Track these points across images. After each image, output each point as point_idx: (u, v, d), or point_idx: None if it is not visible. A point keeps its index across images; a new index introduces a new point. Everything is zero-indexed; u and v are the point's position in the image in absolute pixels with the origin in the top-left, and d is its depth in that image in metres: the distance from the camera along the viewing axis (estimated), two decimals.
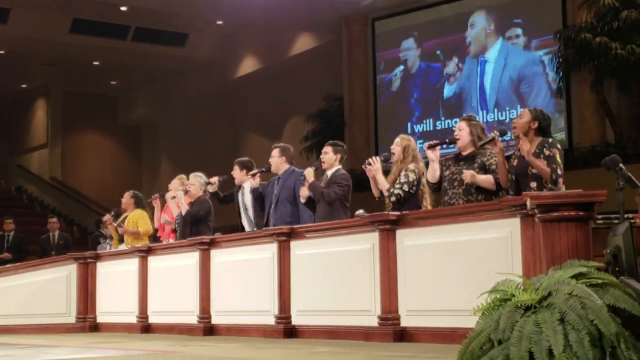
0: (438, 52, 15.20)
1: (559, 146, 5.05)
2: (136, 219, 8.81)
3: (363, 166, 6.24)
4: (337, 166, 6.77)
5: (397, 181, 6.05)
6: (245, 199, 7.65)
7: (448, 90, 14.99)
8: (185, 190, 8.03)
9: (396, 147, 6.16)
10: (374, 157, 6.25)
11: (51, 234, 12.56)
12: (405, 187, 5.99)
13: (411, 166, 6.07)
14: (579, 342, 3.18)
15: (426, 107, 15.28)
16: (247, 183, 7.63)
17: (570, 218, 4.09)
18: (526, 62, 13.90)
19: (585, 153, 12.39)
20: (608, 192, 4.19)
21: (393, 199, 6.03)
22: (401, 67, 15.69)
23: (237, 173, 7.70)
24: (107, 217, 9.30)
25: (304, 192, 6.72)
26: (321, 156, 6.84)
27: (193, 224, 7.89)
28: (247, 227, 7.68)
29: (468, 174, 5.42)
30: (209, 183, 7.95)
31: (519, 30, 13.96)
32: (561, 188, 4.99)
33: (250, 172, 7.26)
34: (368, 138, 16.02)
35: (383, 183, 6.09)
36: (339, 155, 6.79)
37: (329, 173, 6.73)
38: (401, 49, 15.70)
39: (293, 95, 18.40)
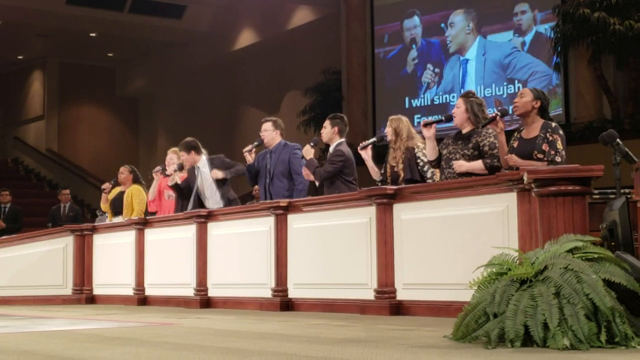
0: (442, 25, 15.12)
1: (561, 132, 5.01)
2: (132, 195, 8.79)
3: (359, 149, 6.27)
4: (338, 140, 6.74)
5: (420, 160, 6.07)
6: (204, 176, 7.60)
7: (446, 66, 14.93)
8: (179, 164, 8.00)
9: (388, 129, 6.18)
10: (363, 142, 6.27)
11: (62, 205, 12.86)
12: (427, 168, 6.04)
13: (420, 144, 6.10)
14: (574, 316, 3.20)
15: (425, 81, 15.22)
16: (200, 162, 7.62)
17: (567, 192, 4.09)
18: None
19: (582, 128, 12.39)
20: (605, 167, 4.19)
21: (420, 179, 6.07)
22: (401, 43, 15.60)
23: (185, 157, 7.68)
24: (106, 185, 9.30)
25: (309, 177, 6.73)
26: (321, 130, 6.84)
27: (184, 197, 7.87)
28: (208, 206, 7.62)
29: (456, 166, 5.41)
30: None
31: (525, 6, 13.88)
32: None
33: (246, 149, 7.23)
34: (366, 112, 15.99)
35: (372, 167, 6.13)
36: (336, 128, 6.74)
37: (331, 148, 6.72)
38: (400, 23, 15.61)
39: (291, 69, 18.32)
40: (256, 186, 10.30)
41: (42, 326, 5.46)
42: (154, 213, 8.61)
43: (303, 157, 6.78)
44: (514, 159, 4.99)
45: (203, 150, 7.81)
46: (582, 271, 3.32)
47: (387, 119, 6.45)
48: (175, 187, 7.87)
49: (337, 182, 6.56)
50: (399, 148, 6.12)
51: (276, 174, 7.02)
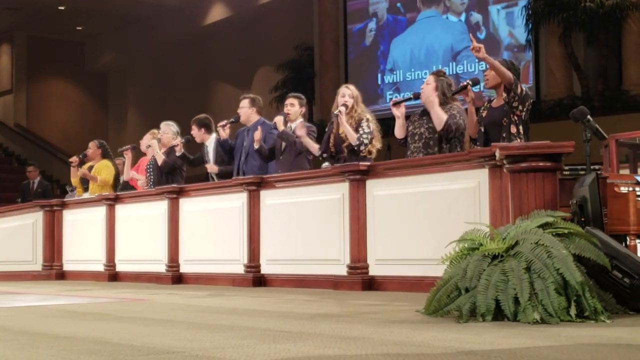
0: (398, 4, 15.15)
1: (530, 100, 5.05)
2: (100, 168, 8.74)
3: (333, 116, 6.22)
4: (300, 119, 6.76)
5: (362, 131, 6.07)
6: (210, 157, 7.58)
7: (414, 43, 14.93)
8: (158, 139, 7.93)
9: (350, 99, 6.15)
10: (341, 107, 6.18)
11: (31, 182, 12.76)
12: (370, 137, 6.04)
13: (369, 116, 6.13)
14: (544, 291, 3.25)
15: (395, 59, 15.21)
16: (209, 140, 7.58)
17: (538, 169, 4.13)
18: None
19: (553, 105, 12.49)
20: (575, 143, 4.23)
21: (362, 147, 6.05)
22: (373, 20, 15.58)
23: (195, 132, 7.63)
24: (74, 159, 9.21)
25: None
26: (287, 108, 6.78)
27: (169, 173, 7.82)
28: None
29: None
30: (175, 146, 7.81)
31: None
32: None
33: (220, 124, 7.18)
34: (337, 88, 15.92)
35: (352, 133, 6.07)
36: (303, 109, 6.83)
37: (293, 125, 6.69)
38: (370, 2, 15.57)
39: (263, 44, 18.20)
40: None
41: (13, 302, 5.42)
42: (132, 187, 8.57)
43: (275, 127, 6.74)
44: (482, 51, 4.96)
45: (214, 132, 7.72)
46: (552, 246, 3.36)
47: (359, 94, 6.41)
48: (183, 157, 7.75)
49: (299, 156, 6.58)
50: (352, 117, 6.13)
51: (251, 152, 6.99)
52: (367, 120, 6.11)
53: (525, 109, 5.00)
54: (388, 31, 15.41)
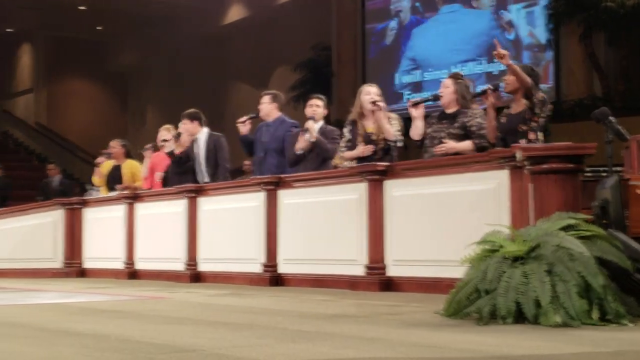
0: (417, 4, 15.12)
1: (549, 106, 5.03)
2: (133, 170, 8.75)
3: (372, 106, 6.05)
4: (322, 121, 6.72)
5: (395, 129, 6.01)
6: (200, 150, 7.59)
7: (432, 43, 14.88)
8: (177, 133, 7.95)
9: (376, 97, 6.10)
10: (381, 103, 6.08)
11: (52, 179, 12.87)
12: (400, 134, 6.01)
13: (392, 114, 6.08)
14: (566, 294, 3.22)
15: (413, 59, 15.17)
16: (200, 133, 7.60)
17: (559, 170, 4.10)
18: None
19: (573, 106, 12.40)
20: (596, 145, 4.20)
21: (400, 144, 6.00)
22: (395, 20, 15.54)
23: (188, 125, 7.66)
24: (100, 159, 9.25)
25: (301, 144, 6.60)
26: (312, 109, 6.69)
27: (180, 173, 7.83)
28: (199, 179, 7.59)
29: (445, 147, 5.38)
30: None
31: None
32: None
33: (240, 120, 7.18)
34: (355, 88, 15.87)
35: (389, 129, 5.97)
36: (326, 111, 6.78)
37: (316, 126, 6.65)
38: (392, 1, 15.54)
39: (280, 44, 18.22)
40: (246, 161, 10.28)
41: (34, 299, 5.46)
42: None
43: (305, 131, 6.57)
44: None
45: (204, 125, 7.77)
46: (574, 249, 3.33)
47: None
48: (170, 154, 7.82)
49: (326, 162, 6.57)
50: (386, 117, 6.07)
51: (269, 149, 6.97)
52: (394, 118, 6.06)
53: (544, 115, 4.98)
54: (411, 31, 15.36)
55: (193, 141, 7.70)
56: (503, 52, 4.88)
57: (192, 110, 7.82)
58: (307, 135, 6.52)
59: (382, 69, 15.53)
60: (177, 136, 7.81)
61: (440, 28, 14.79)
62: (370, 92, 6.12)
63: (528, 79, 4.92)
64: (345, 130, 6.25)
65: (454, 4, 14.60)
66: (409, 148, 6.33)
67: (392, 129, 5.99)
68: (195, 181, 7.60)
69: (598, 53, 12.40)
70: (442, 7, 14.78)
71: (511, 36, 13.75)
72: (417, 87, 14.90)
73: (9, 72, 22.35)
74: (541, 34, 13.14)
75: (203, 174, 7.63)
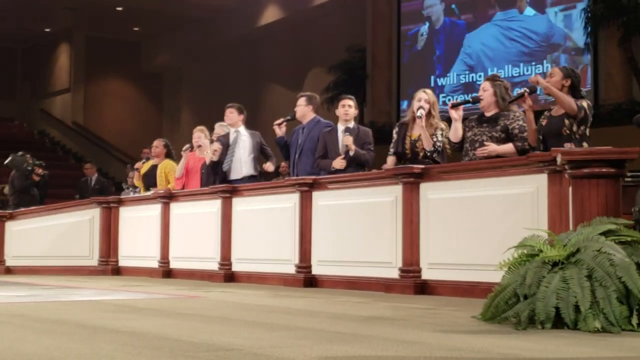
0: (453, 6, 15.02)
1: (585, 104, 4.97)
2: (167, 170, 8.82)
3: (417, 113, 6.04)
4: (354, 121, 6.76)
5: (436, 139, 5.97)
6: (243, 142, 7.62)
7: (468, 46, 14.78)
8: (211, 140, 8.02)
9: (427, 104, 6.05)
10: (422, 110, 6.05)
11: (88, 179, 13.08)
12: (442, 145, 5.97)
13: (443, 125, 6.04)
14: (606, 299, 3.19)
15: (449, 62, 15.10)
16: (242, 127, 7.66)
17: (600, 175, 4.06)
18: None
19: (611, 110, 12.25)
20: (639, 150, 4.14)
21: (435, 155, 5.98)
22: (426, 24, 15.48)
23: (235, 116, 7.72)
24: (139, 165, 9.37)
25: (338, 164, 6.55)
26: (344, 109, 6.72)
27: (216, 174, 7.88)
28: (235, 173, 7.64)
29: (487, 150, 5.36)
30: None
31: None
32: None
33: (276, 122, 7.21)
34: (389, 90, 15.90)
35: (427, 137, 5.97)
36: (357, 111, 6.82)
37: (349, 126, 6.65)
38: (425, 5, 15.47)
39: (315, 46, 18.25)
40: (282, 162, 10.33)
41: (72, 296, 5.53)
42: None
43: (345, 150, 6.55)
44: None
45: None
46: (615, 254, 3.29)
47: (411, 97, 6.37)
48: (213, 165, 7.89)
49: (363, 169, 6.60)
50: (430, 125, 6.05)
51: (305, 150, 6.98)
52: (442, 129, 6.02)
53: (586, 128, 4.95)
54: (445, 35, 15.27)
55: (224, 136, 7.75)
56: (535, 78, 4.92)
57: (239, 104, 7.91)
58: (340, 159, 6.55)
59: (417, 73, 15.46)
60: (211, 143, 7.92)
61: (487, 31, 14.64)
62: (421, 99, 6.08)
63: (572, 103, 4.90)
64: (394, 131, 6.25)
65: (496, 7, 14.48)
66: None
67: (429, 138, 5.96)
68: (226, 179, 7.64)
69: (637, 57, 12.24)
70: (490, 10, 14.60)
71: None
72: (453, 90, 14.81)
73: (47, 71, 22.66)
74: (578, 37, 13.00)
75: (247, 166, 7.65)
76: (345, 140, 6.58)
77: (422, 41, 15.56)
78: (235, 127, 7.74)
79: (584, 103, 4.99)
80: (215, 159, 7.75)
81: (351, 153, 6.54)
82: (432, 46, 15.46)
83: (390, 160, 6.20)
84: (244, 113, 7.82)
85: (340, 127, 6.71)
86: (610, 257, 3.29)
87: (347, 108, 6.70)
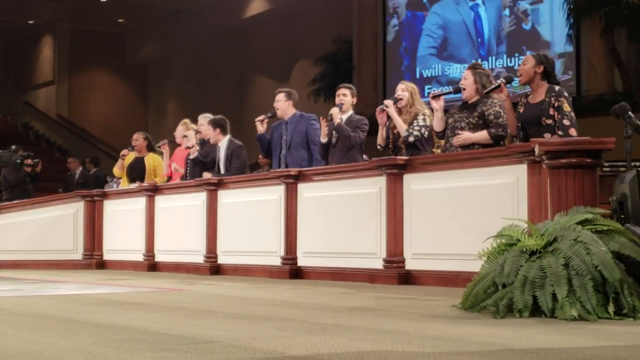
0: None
1: (565, 94, 4.97)
2: (155, 164, 8.81)
3: (378, 109, 6.20)
4: (351, 110, 6.77)
5: (416, 124, 6.03)
6: (221, 157, 7.64)
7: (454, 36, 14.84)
8: (195, 131, 8.01)
9: (403, 93, 6.15)
10: (387, 100, 6.22)
11: (73, 173, 13.05)
12: (424, 130, 6.01)
13: (427, 111, 6.08)
14: (582, 288, 3.23)
15: (435, 52, 15.14)
16: (222, 142, 7.65)
17: (577, 165, 4.10)
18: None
19: (593, 101, 12.31)
20: (615, 140, 4.18)
21: (412, 139, 6.00)
22: (394, 16, 15.56)
23: (210, 132, 7.70)
24: (125, 152, 9.31)
25: (323, 133, 6.62)
26: (339, 98, 6.75)
27: (202, 166, 7.89)
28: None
29: (462, 138, 5.41)
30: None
31: None
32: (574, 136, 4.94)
33: (258, 118, 7.20)
34: (376, 82, 15.92)
35: (401, 124, 6.06)
36: (355, 99, 6.82)
37: (344, 117, 6.68)
38: None
39: (301, 38, 18.22)
40: (261, 155, 10.31)
41: (55, 290, 5.53)
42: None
43: (329, 120, 6.61)
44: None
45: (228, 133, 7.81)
46: (591, 243, 3.33)
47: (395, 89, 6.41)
48: (196, 161, 7.90)
49: (354, 148, 6.58)
50: (408, 112, 6.12)
51: (293, 144, 6.99)
52: (424, 115, 6.08)
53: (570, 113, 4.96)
54: (408, 28, 15.37)
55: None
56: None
57: (218, 117, 7.84)
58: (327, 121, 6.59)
59: (402, 62, 15.49)
60: (202, 143, 7.91)
61: (451, 20, 14.73)
62: (398, 89, 6.23)
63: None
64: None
65: None
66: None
67: (402, 124, 6.07)
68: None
69: (619, 48, 12.30)
70: None
71: (527, 26, 13.66)
72: (437, 80, 14.85)
73: (30, 64, 22.51)
74: (545, 31, 13.07)
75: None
76: (331, 110, 6.62)
77: (392, 34, 15.63)
78: (216, 142, 7.70)
79: (557, 88, 5.00)
80: (181, 172, 7.82)
81: (335, 122, 6.56)
82: (399, 40, 15.56)
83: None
84: (222, 127, 7.69)
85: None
86: (586, 246, 3.32)
87: (342, 97, 6.73)
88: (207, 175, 7.60)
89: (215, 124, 7.72)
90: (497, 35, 14.08)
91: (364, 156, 6.62)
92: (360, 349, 2.54)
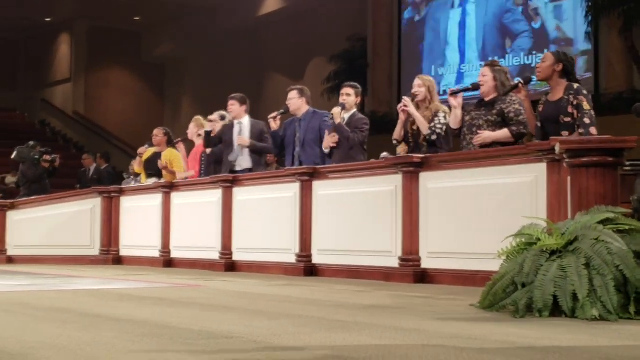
0: None
1: (585, 91, 4.94)
2: (171, 158, 8.82)
3: (399, 108, 6.13)
4: (355, 109, 6.73)
5: (437, 121, 5.96)
6: (244, 134, 7.60)
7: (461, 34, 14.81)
8: (221, 115, 8.01)
9: (419, 89, 6.08)
10: (405, 98, 6.17)
11: (87, 169, 13.12)
12: (446, 128, 5.96)
13: (445, 107, 6.03)
14: (603, 287, 3.21)
15: (444, 52, 15.09)
16: (244, 118, 7.63)
17: (599, 163, 4.07)
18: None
19: (612, 99, 12.23)
20: (637, 138, 4.15)
21: (434, 137, 5.95)
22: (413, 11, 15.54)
23: (237, 108, 7.67)
24: (142, 149, 9.34)
25: (328, 142, 6.64)
26: (342, 98, 6.73)
27: (217, 163, 7.90)
28: (229, 165, 7.59)
29: (482, 137, 5.37)
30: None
31: None
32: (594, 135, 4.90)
33: (271, 115, 7.20)
34: (391, 80, 15.89)
35: (423, 122, 6.00)
36: (359, 99, 6.79)
37: (346, 116, 6.66)
38: None
39: (316, 35, 18.20)
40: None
41: (73, 285, 5.56)
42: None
43: (331, 118, 6.66)
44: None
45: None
46: (612, 243, 3.31)
47: (412, 86, 6.37)
48: (207, 134, 7.90)
49: (355, 147, 6.56)
50: (428, 109, 6.06)
51: (307, 141, 6.98)
52: (445, 112, 6.00)
53: (590, 111, 4.91)
54: (424, 26, 15.33)
55: (225, 126, 7.74)
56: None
57: (240, 94, 7.89)
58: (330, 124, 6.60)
59: (417, 60, 15.46)
60: (222, 118, 7.94)
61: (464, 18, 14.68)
62: (414, 85, 6.16)
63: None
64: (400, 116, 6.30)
65: None
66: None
67: (424, 122, 5.97)
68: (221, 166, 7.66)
69: (638, 46, 12.21)
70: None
71: (537, 25, 13.60)
72: (453, 78, 14.81)
73: (48, 61, 22.63)
74: (568, 28, 12.99)
75: (243, 158, 7.62)
76: (333, 110, 6.65)
77: (407, 30, 15.63)
78: (238, 119, 7.69)
79: (575, 86, 4.96)
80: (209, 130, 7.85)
81: (336, 122, 6.57)
82: (413, 36, 15.52)
83: (401, 148, 6.21)
84: (246, 103, 7.78)
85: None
86: (608, 245, 3.30)
87: (345, 97, 6.70)
88: (241, 139, 7.53)
89: (241, 99, 7.74)
90: (507, 34, 14.03)
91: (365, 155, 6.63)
92: (380, 345, 2.54)
